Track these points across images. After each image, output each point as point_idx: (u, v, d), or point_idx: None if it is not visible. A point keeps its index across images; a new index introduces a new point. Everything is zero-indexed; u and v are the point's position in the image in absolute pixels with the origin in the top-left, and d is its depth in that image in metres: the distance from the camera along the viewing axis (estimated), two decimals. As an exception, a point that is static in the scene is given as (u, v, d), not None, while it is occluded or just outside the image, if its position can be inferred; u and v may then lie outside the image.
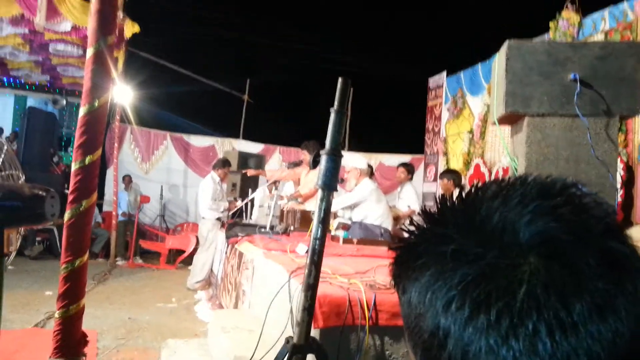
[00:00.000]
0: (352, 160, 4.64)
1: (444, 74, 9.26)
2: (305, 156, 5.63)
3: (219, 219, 6.46)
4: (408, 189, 6.23)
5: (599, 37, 5.57)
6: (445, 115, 9.07)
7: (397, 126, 11.73)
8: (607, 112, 2.75)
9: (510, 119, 3.05)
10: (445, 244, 0.44)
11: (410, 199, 6.11)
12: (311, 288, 1.45)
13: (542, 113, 2.83)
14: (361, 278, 2.57)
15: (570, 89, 2.76)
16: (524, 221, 0.42)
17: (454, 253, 0.43)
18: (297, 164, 5.57)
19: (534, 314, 0.39)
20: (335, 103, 1.50)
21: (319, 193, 1.46)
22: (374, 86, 11.85)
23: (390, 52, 12.47)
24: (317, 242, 1.43)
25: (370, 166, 5.37)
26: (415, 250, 0.48)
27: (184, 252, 8.50)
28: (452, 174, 5.95)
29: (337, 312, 2.29)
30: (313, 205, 4.90)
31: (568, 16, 5.99)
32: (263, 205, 5.59)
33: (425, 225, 0.49)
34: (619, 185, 4.79)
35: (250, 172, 6.77)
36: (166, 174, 10.45)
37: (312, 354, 1.52)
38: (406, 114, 10.99)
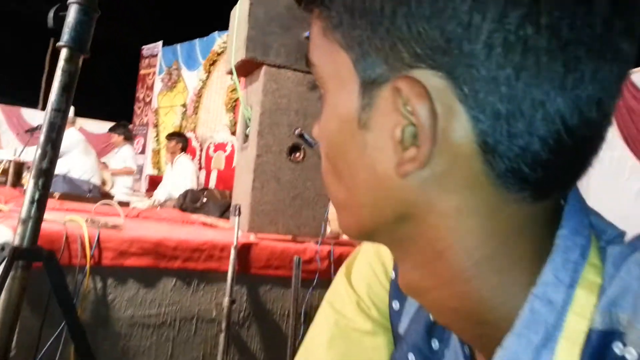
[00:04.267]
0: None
1: (160, 44, 8.86)
2: None
3: None
4: (126, 149, 5.82)
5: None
6: (158, 86, 8.67)
7: (104, 92, 10.69)
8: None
9: (247, 68, 3.04)
10: None
11: (128, 157, 5.75)
12: (45, 174, 1.06)
13: (279, 64, 2.90)
14: (80, 216, 2.14)
15: (304, 45, 2.91)
16: None
17: None
18: None
19: None
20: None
21: (64, 53, 1.08)
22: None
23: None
24: (57, 114, 1.04)
25: (93, 136, 4.63)
26: None
27: None
28: (178, 137, 5.70)
29: (51, 250, 1.83)
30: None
31: None
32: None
33: None
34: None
35: None
36: None
37: (40, 262, 1.12)
38: (115, 80, 10.10)
